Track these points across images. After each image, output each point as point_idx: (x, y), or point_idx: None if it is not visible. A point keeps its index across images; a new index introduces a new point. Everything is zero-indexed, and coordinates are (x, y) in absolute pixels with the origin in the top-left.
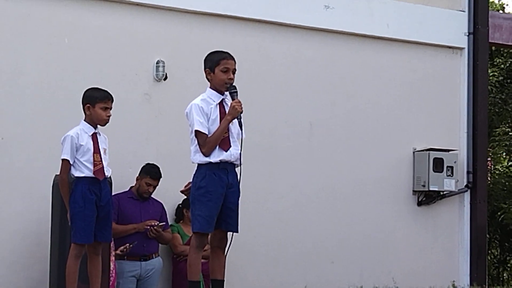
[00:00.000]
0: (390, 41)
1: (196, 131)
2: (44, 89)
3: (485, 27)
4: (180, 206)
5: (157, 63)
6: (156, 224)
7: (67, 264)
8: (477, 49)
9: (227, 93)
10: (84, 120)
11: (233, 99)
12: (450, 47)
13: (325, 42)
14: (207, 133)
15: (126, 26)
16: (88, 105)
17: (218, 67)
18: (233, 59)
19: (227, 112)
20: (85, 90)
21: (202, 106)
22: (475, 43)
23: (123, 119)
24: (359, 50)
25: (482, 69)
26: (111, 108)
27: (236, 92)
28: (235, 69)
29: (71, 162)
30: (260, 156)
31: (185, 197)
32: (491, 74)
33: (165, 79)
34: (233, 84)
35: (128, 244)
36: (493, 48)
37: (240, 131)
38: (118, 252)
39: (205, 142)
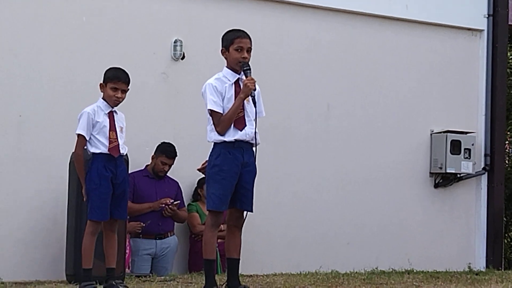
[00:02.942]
0: (409, 23)
1: (210, 110)
2: (62, 69)
3: (504, 9)
4: (196, 186)
5: (174, 42)
6: (171, 202)
7: (83, 241)
8: (496, 31)
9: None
10: (102, 98)
11: (246, 77)
12: (469, 29)
13: (344, 23)
14: (221, 112)
15: (144, 5)
16: (102, 83)
17: (232, 46)
18: (248, 37)
19: None
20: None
21: (216, 85)
22: (494, 25)
23: (140, 98)
24: (378, 31)
25: (501, 51)
26: (124, 90)
27: (250, 69)
28: (250, 48)
29: (86, 138)
30: (277, 138)
31: (201, 176)
32: (510, 57)
33: (182, 58)
34: (248, 62)
35: (141, 223)
36: None
37: (255, 111)
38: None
39: (219, 121)
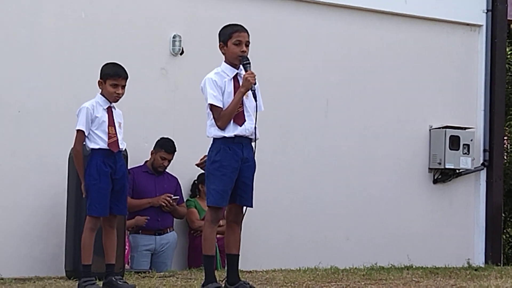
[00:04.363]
0: (407, 18)
1: (210, 104)
2: (60, 63)
3: (503, 4)
4: (196, 181)
5: (173, 37)
6: (170, 198)
7: (82, 237)
8: (495, 26)
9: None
10: (100, 94)
11: (246, 71)
12: (468, 24)
13: (342, 18)
14: (221, 106)
15: (143, 0)
16: (100, 80)
17: (231, 40)
18: (246, 31)
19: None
20: (103, 64)
21: (216, 80)
22: (493, 21)
23: (139, 94)
24: (377, 26)
25: (500, 46)
26: (124, 86)
27: (249, 63)
28: (248, 42)
29: (86, 134)
30: (276, 132)
31: (201, 172)
32: (509, 52)
33: (181, 53)
34: (247, 56)
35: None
36: None
37: (256, 105)
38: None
39: (220, 116)
